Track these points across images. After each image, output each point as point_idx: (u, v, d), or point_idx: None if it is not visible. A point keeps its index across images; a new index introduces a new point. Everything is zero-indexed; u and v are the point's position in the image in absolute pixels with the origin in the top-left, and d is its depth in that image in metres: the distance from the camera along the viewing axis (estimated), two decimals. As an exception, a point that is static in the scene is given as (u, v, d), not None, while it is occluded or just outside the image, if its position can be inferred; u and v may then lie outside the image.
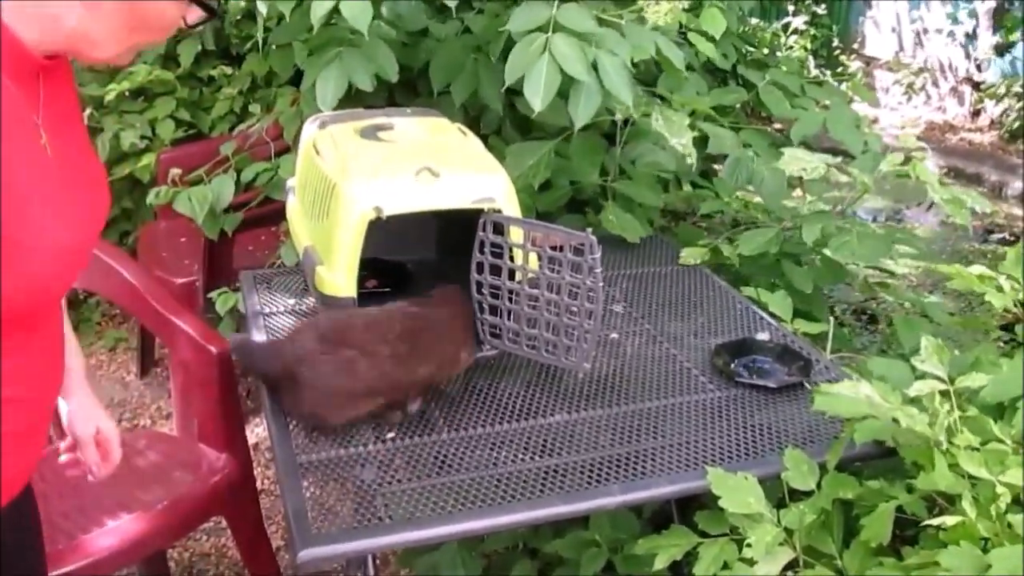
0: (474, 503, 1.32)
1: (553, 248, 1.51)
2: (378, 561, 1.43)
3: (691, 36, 2.35)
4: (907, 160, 1.93)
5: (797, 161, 1.93)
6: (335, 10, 1.98)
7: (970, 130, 7.18)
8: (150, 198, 2.69)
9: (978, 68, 7.28)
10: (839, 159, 2.04)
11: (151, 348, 3.38)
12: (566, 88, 1.90)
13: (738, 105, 2.64)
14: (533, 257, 1.55)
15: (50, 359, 1.17)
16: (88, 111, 3.46)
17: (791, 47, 7.34)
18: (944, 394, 1.32)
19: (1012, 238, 5.06)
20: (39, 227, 0.99)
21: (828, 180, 2.03)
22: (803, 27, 7.73)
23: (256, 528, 2.22)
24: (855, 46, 8.26)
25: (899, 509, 1.26)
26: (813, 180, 1.93)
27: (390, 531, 1.27)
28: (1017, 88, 6.75)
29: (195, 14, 1.09)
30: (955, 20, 7.24)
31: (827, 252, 2.08)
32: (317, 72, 2.14)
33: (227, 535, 2.48)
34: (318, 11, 1.96)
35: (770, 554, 1.27)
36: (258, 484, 2.44)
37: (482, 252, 1.57)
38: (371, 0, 2.04)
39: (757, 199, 2.58)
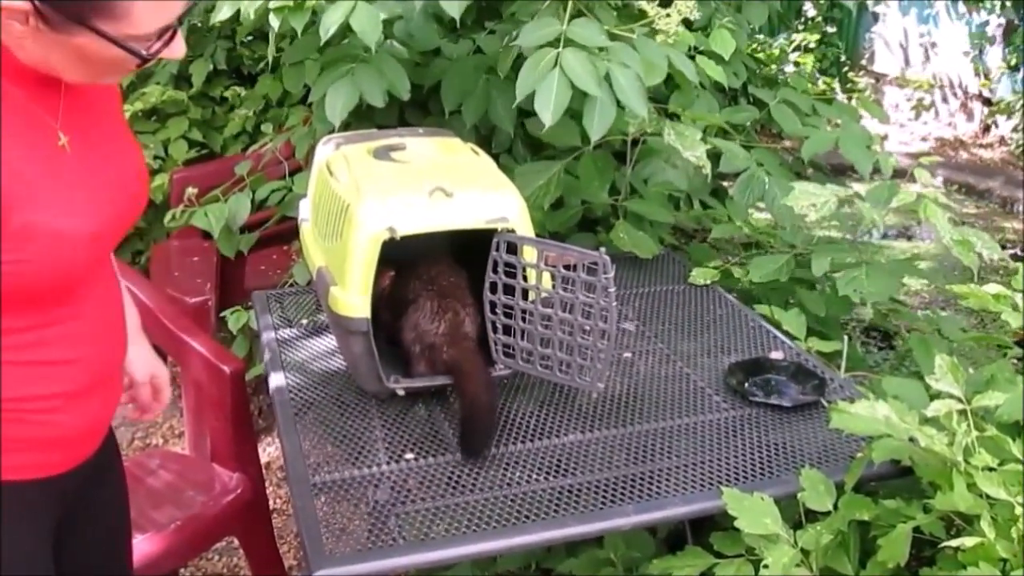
0: (488, 524, 1.31)
1: (566, 267, 1.51)
2: (391, 581, 1.42)
3: (699, 59, 2.35)
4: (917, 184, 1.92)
5: (808, 196, 1.91)
6: (347, 28, 1.99)
7: (980, 146, 7.16)
8: (166, 220, 2.71)
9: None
10: (849, 182, 2.04)
11: (163, 367, 3.39)
12: (577, 106, 1.90)
13: (749, 124, 2.64)
14: (546, 276, 1.55)
15: (101, 322, 1.25)
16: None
17: (799, 63, 7.35)
18: (961, 413, 1.31)
19: (1023, 254, 5.04)
20: (48, 215, 1.07)
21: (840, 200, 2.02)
22: (812, 44, 7.74)
23: (268, 548, 2.22)
24: (864, 62, 8.26)
25: (916, 530, 1.25)
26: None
27: (404, 552, 1.27)
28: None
29: (161, 48, 1.08)
30: (983, 37, 7.15)
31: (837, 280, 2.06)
32: (327, 87, 2.15)
33: (239, 555, 2.48)
34: (328, 23, 1.97)
35: (787, 575, 1.26)
36: (270, 504, 2.44)
37: (495, 272, 1.57)
38: (383, 19, 2.06)
39: (767, 216, 2.57)
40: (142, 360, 1.51)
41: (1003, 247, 5.03)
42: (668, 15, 1.95)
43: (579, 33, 1.87)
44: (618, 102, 1.88)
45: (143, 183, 1.29)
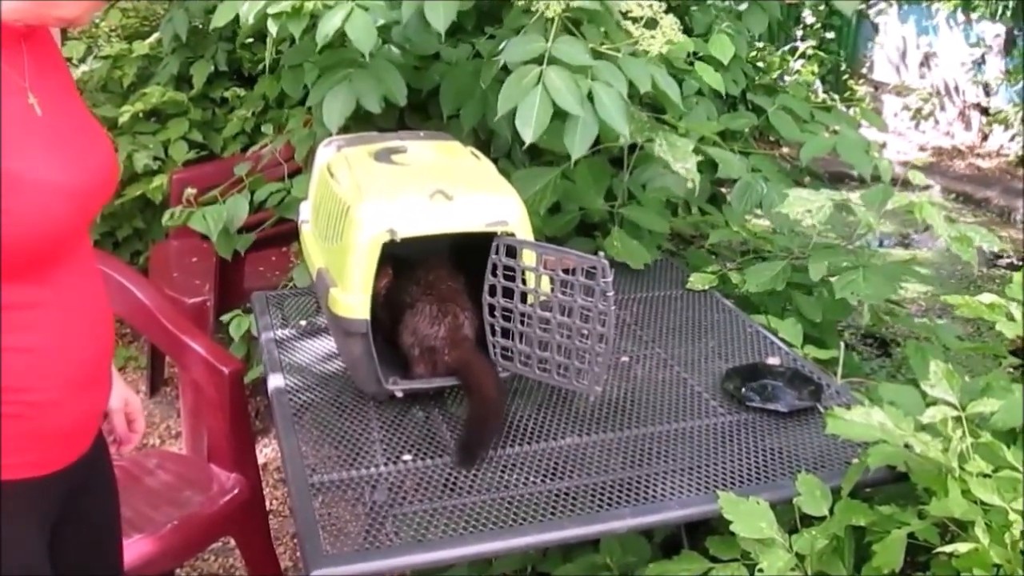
0: (484, 526, 1.32)
1: (565, 271, 1.52)
2: (388, 583, 1.43)
3: (698, 65, 2.35)
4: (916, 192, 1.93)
5: (802, 202, 1.92)
6: (343, 32, 2.00)
7: (978, 155, 7.18)
8: (165, 219, 2.71)
9: (987, 93, 7.29)
10: (846, 190, 2.04)
11: (161, 367, 3.39)
12: (563, 120, 1.90)
13: (747, 130, 2.65)
14: (545, 280, 1.55)
15: (87, 308, 1.21)
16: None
17: (799, 71, 7.37)
18: (956, 420, 1.32)
19: (1020, 263, 5.05)
20: (25, 174, 1.06)
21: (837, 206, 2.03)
22: (811, 52, 7.76)
23: (265, 548, 2.22)
24: (863, 71, 8.28)
25: (911, 535, 1.26)
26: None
27: (400, 553, 1.27)
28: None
29: None
30: (980, 45, 7.15)
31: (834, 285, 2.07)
32: (324, 92, 2.16)
33: (236, 555, 2.48)
34: (324, 31, 1.98)
35: (781, 579, 1.27)
36: (267, 504, 2.44)
37: (495, 275, 1.58)
38: (383, 23, 2.06)
39: (765, 222, 2.58)
40: (115, 388, 1.45)
41: (1000, 257, 5.09)
42: (653, 36, 1.94)
43: (564, 51, 1.86)
44: (601, 120, 1.87)
45: (113, 166, 1.27)
